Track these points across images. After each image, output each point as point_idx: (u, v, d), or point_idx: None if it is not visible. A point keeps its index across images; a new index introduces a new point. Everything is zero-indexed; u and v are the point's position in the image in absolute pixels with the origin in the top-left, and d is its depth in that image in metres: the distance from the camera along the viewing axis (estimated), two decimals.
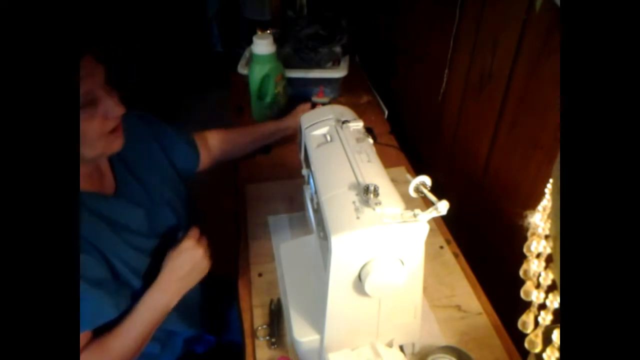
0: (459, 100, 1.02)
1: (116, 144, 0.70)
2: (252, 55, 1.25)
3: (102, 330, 0.70)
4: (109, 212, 0.72)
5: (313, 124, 0.76)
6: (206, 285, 0.89)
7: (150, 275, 0.75)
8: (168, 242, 0.79)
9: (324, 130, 0.74)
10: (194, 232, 0.79)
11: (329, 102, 1.32)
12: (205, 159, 1.00)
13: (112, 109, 0.66)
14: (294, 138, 1.13)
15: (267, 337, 0.75)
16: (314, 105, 1.29)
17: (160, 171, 0.87)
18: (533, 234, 0.39)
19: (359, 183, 0.60)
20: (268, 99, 1.28)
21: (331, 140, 0.71)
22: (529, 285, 0.39)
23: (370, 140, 0.71)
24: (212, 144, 1.04)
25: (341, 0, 1.61)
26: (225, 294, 1.04)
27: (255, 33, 1.24)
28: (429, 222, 0.56)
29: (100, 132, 0.66)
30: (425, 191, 0.57)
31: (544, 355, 0.36)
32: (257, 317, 0.79)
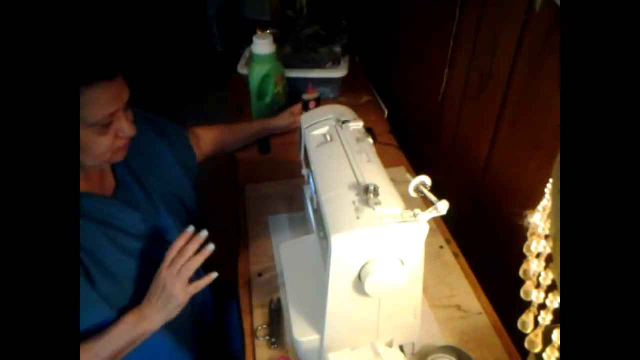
0: (459, 100, 1.02)
1: (119, 156, 0.71)
2: (252, 55, 1.25)
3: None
4: (103, 214, 0.71)
5: (313, 124, 0.76)
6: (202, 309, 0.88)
7: (142, 282, 0.73)
8: (162, 246, 0.78)
9: (324, 130, 0.74)
10: (175, 249, 0.70)
11: (319, 97, 1.32)
12: (197, 155, 1.00)
13: (125, 129, 0.68)
14: (282, 134, 1.22)
15: (267, 337, 0.75)
16: (305, 104, 1.29)
17: (164, 170, 0.87)
18: (533, 234, 0.39)
19: (359, 183, 0.60)
20: (268, 99, 1.28)
21: (331, 140, 0.71)
22: (529, 285, 0.38)
23: (370, 140, 0.71)
24: (204, 141, 1.05)
25: (341, 0, 1.61)
26: (225, 304, 1.02)
27: (255, 33, 1.24)
28: (429, 222, 0.56)
29: (108, 148, 0.68)
30: (425, 191, 0.57)
31: (544, 355, 0.36)
32: (257, 317, 0.79)
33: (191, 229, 0.72)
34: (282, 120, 1.22)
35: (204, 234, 0.72)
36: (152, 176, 0.83)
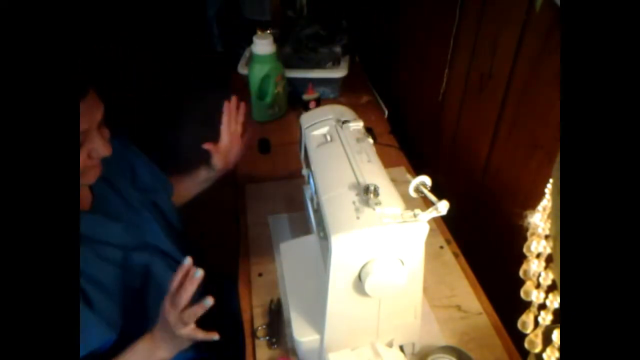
0: (459, 100, 1.02)
1: (92, 176, 0.69)
2: (252, 55, 1.26)
3: None
4: (85, 229, 0.70)
5: (313, 124, 0.76)
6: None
7: (135, 291, 0.71)
8: (150, 252, 0.76)
9: (324, 130, 0.74)
10: (174, 282, 0.66)
11: (319, 97, 1.33)
12: None
13: (99, 150, 0.65)
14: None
15: (267, 337, 0.75)
16: (305, 104, 1.29)
17: (139, 177, 0.86)
18: (533, 234, 0.39)
19: (359, 183, 0.60)
20: (268, 99, 1.28)
21: (331, 140, 0.71)
22: (529, 285, 0.38)
23: (370, 140, 0.71)
24: None
25: (341, 0, 1.61)
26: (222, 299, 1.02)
27: (255, 33, 1.24)
28: (429, 222, 0.56)
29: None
30: (425, 191, 0.57)
31: (544, 355, 0.36)
32: (257, 317, 0.79)
33: (188, 261, 0.68)
34: (220, 161, 0.98)
35: (199, 273, 0.66)
36: (128, 183, 0.82)
